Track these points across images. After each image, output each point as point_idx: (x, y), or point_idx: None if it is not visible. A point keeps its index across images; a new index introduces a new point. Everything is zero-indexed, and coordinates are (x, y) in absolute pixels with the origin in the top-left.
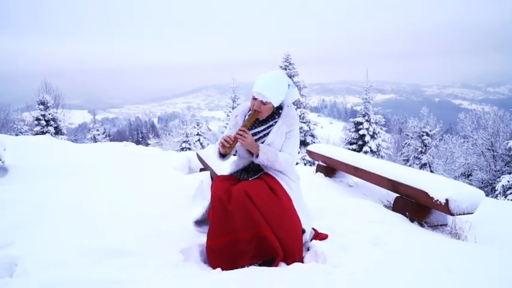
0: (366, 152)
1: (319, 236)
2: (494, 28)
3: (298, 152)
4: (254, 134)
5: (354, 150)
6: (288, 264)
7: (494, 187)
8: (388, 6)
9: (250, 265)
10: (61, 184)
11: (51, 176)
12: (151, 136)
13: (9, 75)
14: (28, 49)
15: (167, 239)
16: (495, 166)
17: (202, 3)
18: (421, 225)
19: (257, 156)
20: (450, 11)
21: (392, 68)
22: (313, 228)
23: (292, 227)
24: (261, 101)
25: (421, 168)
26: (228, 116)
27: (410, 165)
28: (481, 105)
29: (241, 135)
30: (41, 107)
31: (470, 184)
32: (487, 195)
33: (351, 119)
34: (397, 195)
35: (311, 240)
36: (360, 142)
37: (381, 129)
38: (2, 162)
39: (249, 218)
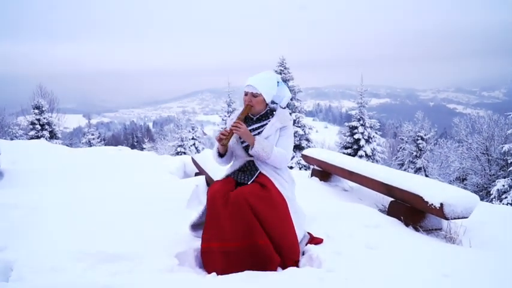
0: (360, 156)
1: (314, 240)
2: (488, 32)
3: (294, 157)
4: (249, 131)
5: (349, 154)
6: (283, 268)
7: (489, 191)
8: (383, 10)
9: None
10: (56, 188)
11: (46, 181)
12: (146, 140)
13: (4, 79)
14: (22, 53)
15: (162, 243)
16: (490, 170)
17: (198, 7)
18: (416, 229)
19: (252, 146)
20: (444, 15)
21: (387, 72)
22: (308, 233)
23: (289, 234)
24: (252, 94)
25: (416, 172)
26: (223, 120)
27: (405, 170)
28: (476, 110)
29: (236, 126)
30: (36, 111)
31: (465, 188)
32: (481, 200)
33: (346, 123)
34: (392, 199)
35: (306, 245)
36: (355, 146)
37: (376, 133)
38: None
39: (243, 226)
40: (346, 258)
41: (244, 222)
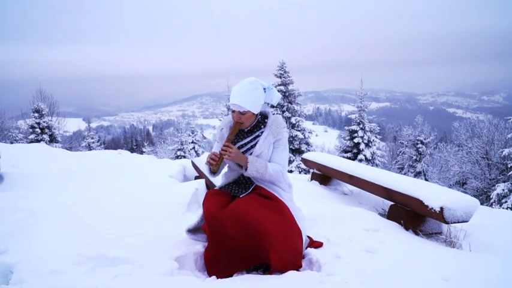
0: (360, 160)
1: (314, 244)
2: (488, 37)
3: (293, 160)
4: (241, 146)
5: (349, 158)
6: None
7: (489, 195)
8: (382, 14)
9: (247, 268)
10: (56, 192)
11: (46, 184)
12: (146, 144)
13: (4, 83)
14: (22, 57)
15: (162, 246)
16: (490, 174)
17: (198, 11)
18: (416, 233)
19: (246, 168)
20: (445, 19)
21: (386, 76)
22: (308, 236)
23: (292, 236)
24: (239, 112)
25: (415, 176)
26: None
27: (405, 174)
28: (476, 114)
29: (225, 150)
30: (36, 114)
31: (465, 192)
32: (481, 204)
33: (346, 127)
34: (392, 203)
35: (306, 248)
36: (355, 150)
37: (376, 137)
38: None
39: (244, 230)
40: (346, 262)
41: (244, 227)
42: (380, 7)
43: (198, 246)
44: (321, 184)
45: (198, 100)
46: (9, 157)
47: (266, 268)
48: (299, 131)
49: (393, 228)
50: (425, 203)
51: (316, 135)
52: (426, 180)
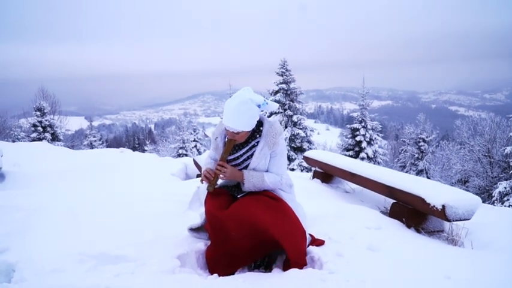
0: (362, 158)
1: (315, 241)
2: (490, 35)
3: (295, 159)
4: (237, 158)
5: (351, 156)
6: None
7: (491, 193)
8: (385, 12)
9: (248, 265)
10: (58, 190)
11: (48, 182)
12: (148, 142)
13: (6, 82)
14: (24, 56)
15: (164, 244)
16: (492, 172)
17: (199, 10)
18: (418, 231)
19: (243, 183)
20: (446, 18)
21: (388, 74)
22: (309, 234)
23: (296, 236)
24: (233, 132)
25: (417, 174)
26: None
27: (407, 172)
28: (478, 112)
29: (220, 170)
30: (38, 113)
31: (467, 190)
32: (483, 202)
33: (348, 125)
34: (394, 201)
35: (307, 246)
36: (357, 148)
37: (378, 135)
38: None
39: (247, 230)
40: (348, 260)
41: (249, 225)
42: (382, 6)
43: (200, 244)
44: (322, 182)
45: (199, 98)
46: (11, 156)
47: (267, 266)
48: (301, 129)
49: (395, 226)
50: (427, 201)
51: (318, 134)
52: (428, 178)
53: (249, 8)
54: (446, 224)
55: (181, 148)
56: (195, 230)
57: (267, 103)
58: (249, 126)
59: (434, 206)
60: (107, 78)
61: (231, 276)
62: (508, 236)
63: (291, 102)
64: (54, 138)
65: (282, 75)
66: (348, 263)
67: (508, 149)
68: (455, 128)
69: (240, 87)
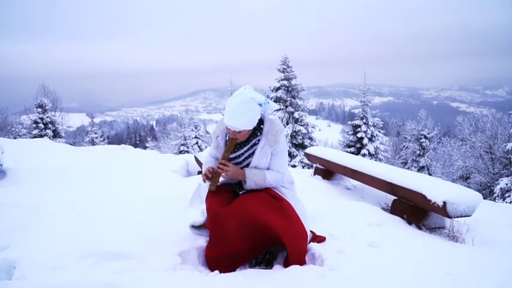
0: (364, 155)
1: (316, 238)
2: (492, 31)
3: (297, 155)
4: (238, 156)
5: (352, 153)
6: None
7: (492, 190)
8: (386, 9)
9: (249, 262)
10: (58, 187)
11: (49, 179)
12: (149, 139)
13: (8, 79)
14: (25, 53)
15: (165, 241)
16: (493, 169)
17: (201, 6)
18: (419, 227)
19: (245, 182)
20: (448, 14)
21: (390, 71)
22: (310, 231)
23: (297, 237)
24: (235, 130)
25: (419, 171)
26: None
27: (408, 168)
28: (479, 108)
29: (222, 168)
30: (39, 110)
31: (468, 187)
32: (485, 198)
33: (349, 122)
34: (395, 197)
35: (309, 243)
36: (358, 145)
37: (379, 132)
38: (0, 165)
39: (248, 230)
40: (349, 257)
41: (250, 225)
42: (384, 2)
43: (201, 241)
44: (324, 179)
45: (201, 95)
46: (13, 152)
47: (268, 263)
48: (302, 125)
49: (396, 223)
50: (428, 198)
51: (319, 130)
52: (430, 174)
53: (251, 4)
54: (448, 221)
55: (182, 145)
56: (196, 227)
57: (268, 102)
58: (250, 125)
59: (435, 203)
60: (109, 75)
61: (233, 273)
62: (509, 233)
63: (293, 99)
64: (56, 135)
65: (283, 72)
66: (349, 260)
67: (509, 145)
68: (456, 124)
69: (241, 84)
